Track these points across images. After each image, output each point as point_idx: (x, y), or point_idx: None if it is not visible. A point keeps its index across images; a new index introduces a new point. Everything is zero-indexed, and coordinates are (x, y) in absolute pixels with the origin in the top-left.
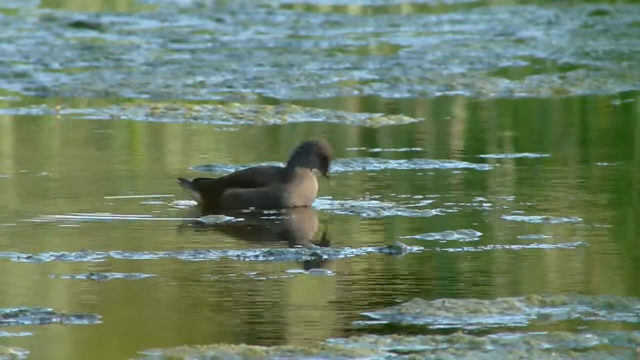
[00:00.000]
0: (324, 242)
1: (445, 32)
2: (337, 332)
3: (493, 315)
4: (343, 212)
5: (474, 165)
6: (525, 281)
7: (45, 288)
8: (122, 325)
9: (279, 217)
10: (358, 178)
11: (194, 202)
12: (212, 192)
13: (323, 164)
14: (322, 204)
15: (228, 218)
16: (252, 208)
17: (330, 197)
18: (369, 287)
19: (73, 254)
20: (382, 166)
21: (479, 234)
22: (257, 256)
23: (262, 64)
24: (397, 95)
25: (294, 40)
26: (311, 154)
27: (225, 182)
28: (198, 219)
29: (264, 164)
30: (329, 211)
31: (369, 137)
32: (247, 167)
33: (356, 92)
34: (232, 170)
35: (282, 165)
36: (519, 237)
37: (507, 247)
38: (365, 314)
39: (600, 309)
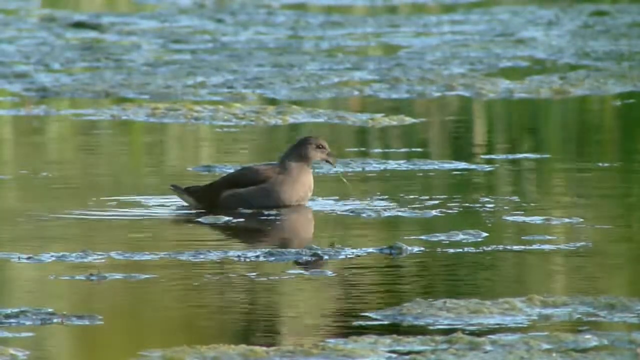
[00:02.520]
0: (324, 242)
1: (445, 33)
2: (338, 333)
3: (494, 316)
4: (343, 213)
5: (474, 166)
6: (527, 282)
7: (45, 288)
8: (123, 326)
9: (279, 218)
10: (358, 178)
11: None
12: (208, 197)
13: (323, 152)
14: (322, 204)
15: (227, 218)
16: (252, 208)
17: (330, 198)
18: (370, 287)
19: (73, 254)
20: (382, 167)
21: (485, 234)
22: (257, 256)
23: (262, 64)
24: (396, 96)
25: (294, 41)
26: (308, 148)
27: (221, 184)
28: (198, 219)
29: (258, 164)
30: (330, 212)
31: (370, 138)
32: (240, 168)
33: (356, 93)
34: (230, 171)
35: (273, 162)
36: (520, 237)
37: (508, 247)
38: (366, 314)
39: (601, 310)
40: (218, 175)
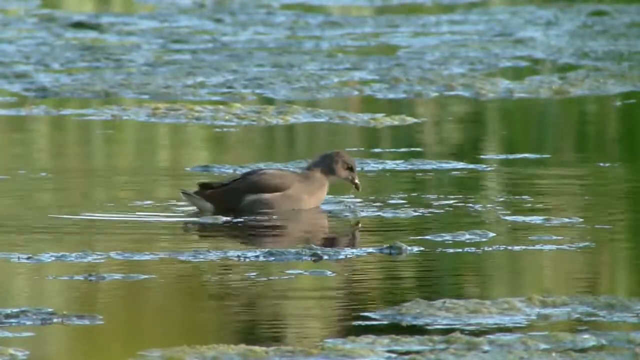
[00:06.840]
0: (324, 242)
1: (444, 33)
2: (337, 332)
3: (493, 316)
4: (344, 213)
5: (473, 166)
6: (527, 282)
7: (45, 289)
8: (123, 326)
9: (280, 218)
10: (359, 178)
11: (199, 210)
12: (227, 201)
13: (350, 174)
14: (323, 204)
15: (227, 218)
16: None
17: (331, 198)
18: (369, 287)
19: (73, 254)
20: (381, 167)
21: (492, 234)
22: (257, 256)
23: (262, 64)
24: (394, 96)
25: (294, 41)
26: (338, 164)
27: (244, 189)
28: (198, 219)
29: (276, 169)
30: (330, 211)
31: (370, 138)
32: (260, 172)
33: (356, 93)
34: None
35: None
36: (520, 237)
37: (508, 247)
38: (365, 314)
39: (600, 310)
40: (216, 176)
